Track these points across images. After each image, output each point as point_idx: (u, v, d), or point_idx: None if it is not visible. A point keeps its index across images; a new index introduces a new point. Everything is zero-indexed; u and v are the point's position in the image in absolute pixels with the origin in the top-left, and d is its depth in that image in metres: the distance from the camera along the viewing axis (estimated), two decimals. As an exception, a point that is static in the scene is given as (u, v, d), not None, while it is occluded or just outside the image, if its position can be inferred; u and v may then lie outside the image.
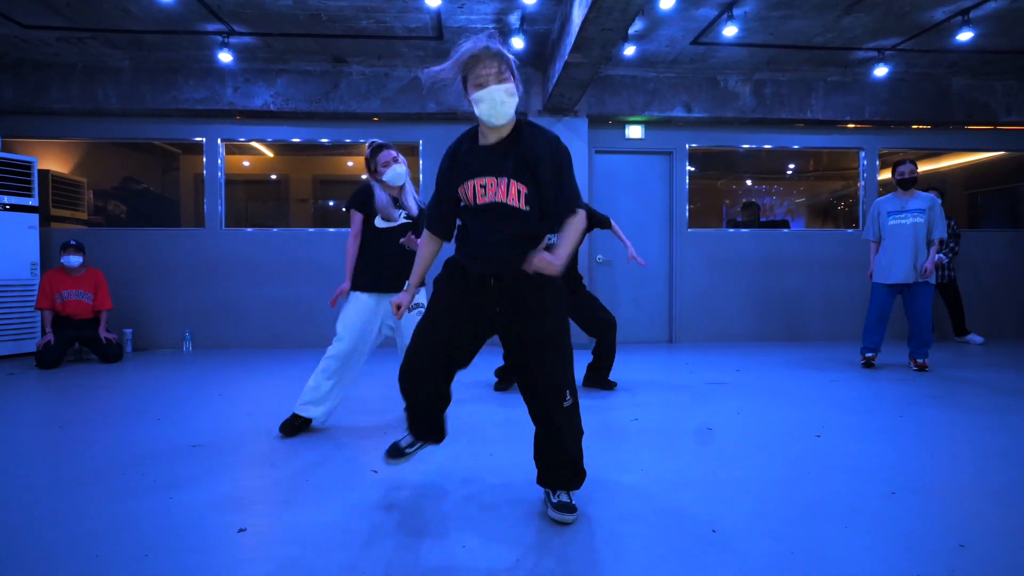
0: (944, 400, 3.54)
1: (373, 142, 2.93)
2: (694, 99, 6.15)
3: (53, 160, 6.50)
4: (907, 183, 4.53)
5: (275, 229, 6.18)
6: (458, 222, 1.97)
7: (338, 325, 2.86)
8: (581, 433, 1.97)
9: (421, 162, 6.16)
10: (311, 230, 6.24)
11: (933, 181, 6.66)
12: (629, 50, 5.13)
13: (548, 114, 5.91)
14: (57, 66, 5.67)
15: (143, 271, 5.99)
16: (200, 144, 6.14)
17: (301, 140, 6.23)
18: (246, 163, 7.92)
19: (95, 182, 7.04)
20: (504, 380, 3.95)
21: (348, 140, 6.26)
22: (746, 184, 7.28)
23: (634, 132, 6.32)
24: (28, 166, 5.60)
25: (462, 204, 1.89)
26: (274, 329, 6.09)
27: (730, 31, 4.70)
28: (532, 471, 2.02)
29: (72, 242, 5.28)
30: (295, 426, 2.88)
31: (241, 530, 1.84)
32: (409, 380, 1.94)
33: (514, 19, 4.87)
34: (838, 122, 6.38)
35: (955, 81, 6.34)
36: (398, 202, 2.93)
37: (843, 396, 3.70)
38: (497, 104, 1.74)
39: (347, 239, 2.95)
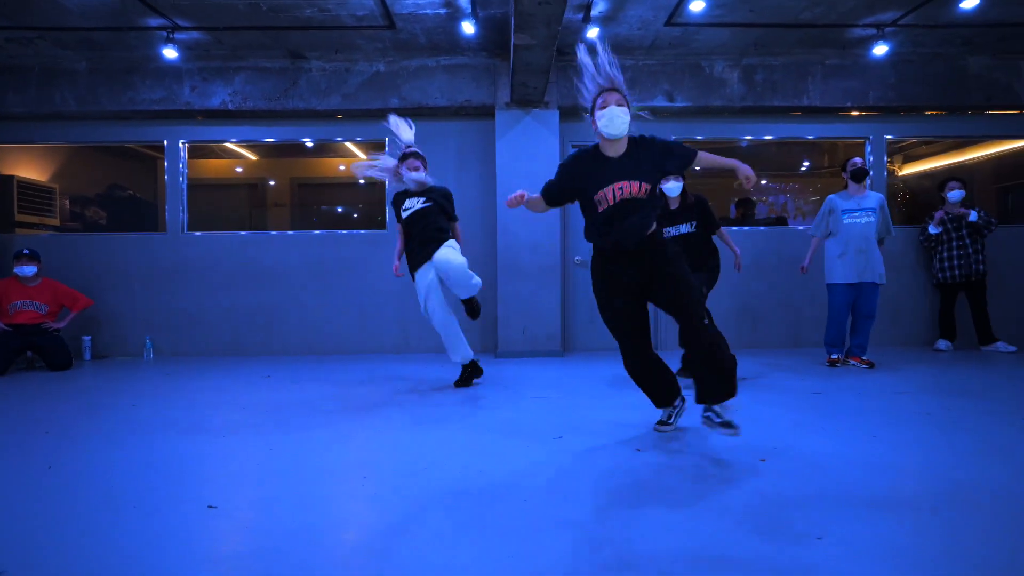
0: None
1: (411, 148, 3.82)
2: (676, 87, 5.68)
3: (26, 167, 6.44)
4: (861, 175, 4.47)
5: (243, 233, 5.97)
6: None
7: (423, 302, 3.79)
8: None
9: (385, 160, 5.84)
10: (273, 233, 6.02)
11: (959, 173, 5.96)
12: (592, 32, 4.71)
13: (516, 106, 5.53)
14: (15, 69, 5.58)
15: (102, 277, 5.83)
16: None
17: (260, 140, 6.01)
18: (239, 167, 7.77)
19: (76, 188, 6.98)
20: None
21: (307, 139, 6.02)
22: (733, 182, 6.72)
23: (612, 124, 5.87)
24: (-20, 171, 5.51)
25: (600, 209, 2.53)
26: (236, 336, 5.86)
27: (697, 6, 4.25)
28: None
29: (25, 251, 5.13)
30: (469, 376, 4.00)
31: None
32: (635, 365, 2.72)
33: (464, 2, 4.53)
34: (839, 109, 5.81)
35: (972, 61, 5.71)
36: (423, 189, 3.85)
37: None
38: (615, 119, 2.44)
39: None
